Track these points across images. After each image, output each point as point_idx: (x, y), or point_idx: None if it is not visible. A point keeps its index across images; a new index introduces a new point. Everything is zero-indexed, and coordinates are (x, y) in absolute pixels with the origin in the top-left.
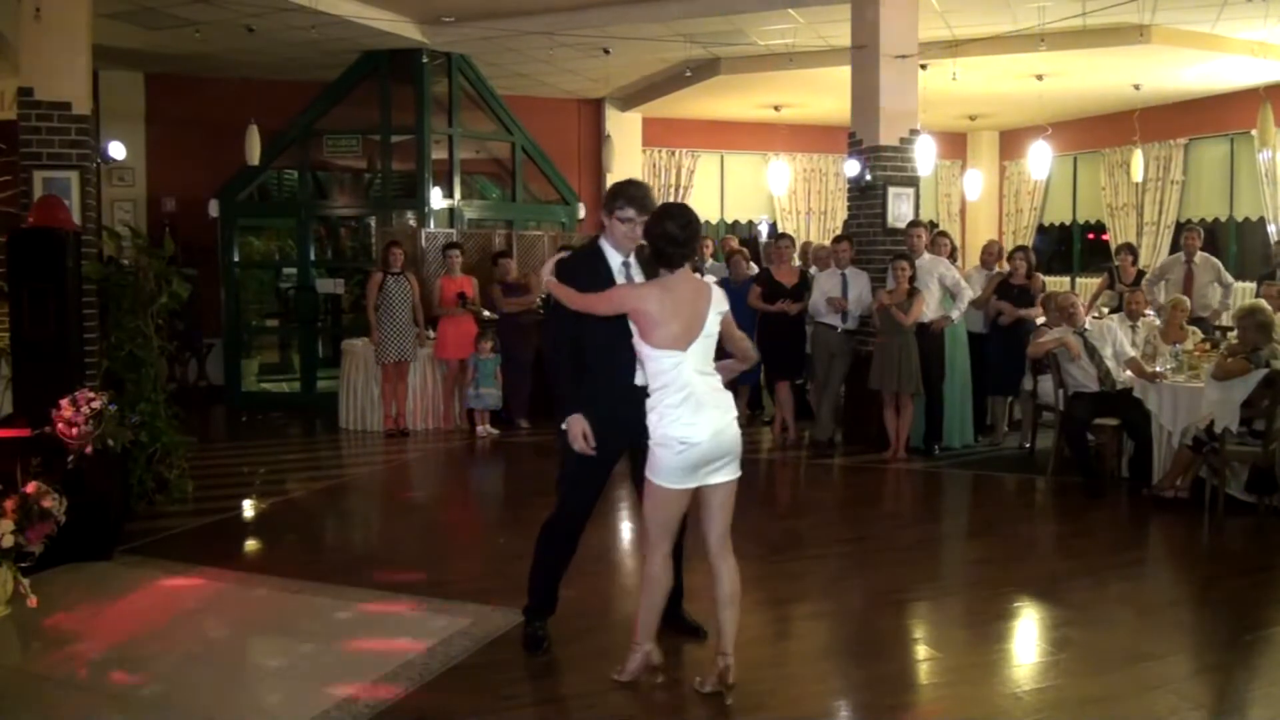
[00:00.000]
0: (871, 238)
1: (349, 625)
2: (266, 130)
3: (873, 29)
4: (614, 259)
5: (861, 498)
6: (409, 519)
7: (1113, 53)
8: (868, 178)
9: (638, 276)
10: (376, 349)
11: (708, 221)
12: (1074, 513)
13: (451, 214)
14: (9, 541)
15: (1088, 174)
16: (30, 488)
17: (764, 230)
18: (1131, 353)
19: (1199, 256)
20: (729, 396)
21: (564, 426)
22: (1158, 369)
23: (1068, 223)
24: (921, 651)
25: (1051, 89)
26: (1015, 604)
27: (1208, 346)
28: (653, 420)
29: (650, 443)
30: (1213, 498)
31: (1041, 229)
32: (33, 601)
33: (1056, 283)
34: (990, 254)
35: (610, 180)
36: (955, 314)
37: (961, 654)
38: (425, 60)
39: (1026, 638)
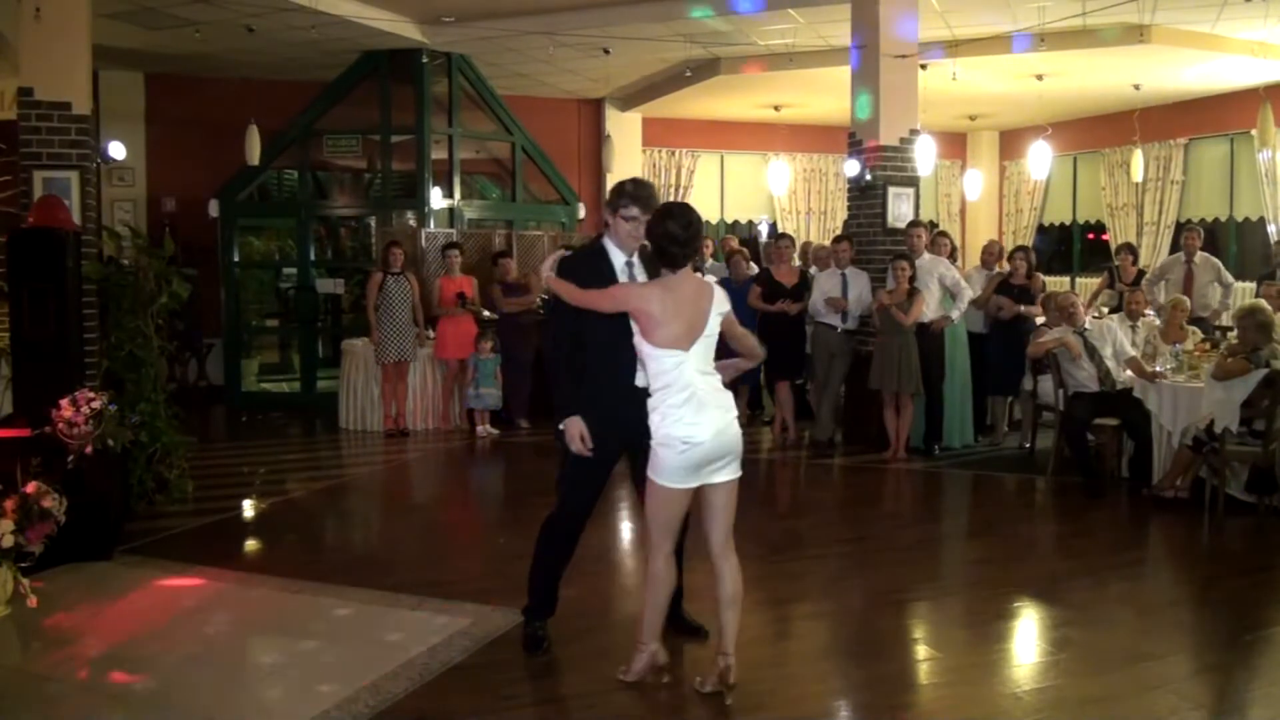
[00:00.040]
0: (871, 238)
1: (349, 625)
2: (266, 130)
3: (873, 29)
4: (617, 258)
5: (861, 498)
6: (409, 519)
7: (1113, 53)
8: (867, 178)
9: (641, 276)
10: (376, 349)
11: (708, 222)
12: (1074, 513)
13: (451, 214)
14: (9, 541)
15: (1088, 174)
16: (30, 488)
17: (764, 230)
18: (1132, 352)
19: (1199, 256)
20: (730, 396)
21: (561, 427)
22: (1157, 369)
23: (1068, 223)
24: (921, 651)
25: (1051, 89)
26: (1015, 604)
27: (1208, 346)
28: (655, 420)
29: (653, 442)
30: (1213, 498)
31: (1041, 229)
32: (33, 601)
33: (1056, 283)
34: (991, 254)
35: (610, 180)
36: (955, 314)
37: (961, 654)
38: (425, 60)
39: (1026, 638)
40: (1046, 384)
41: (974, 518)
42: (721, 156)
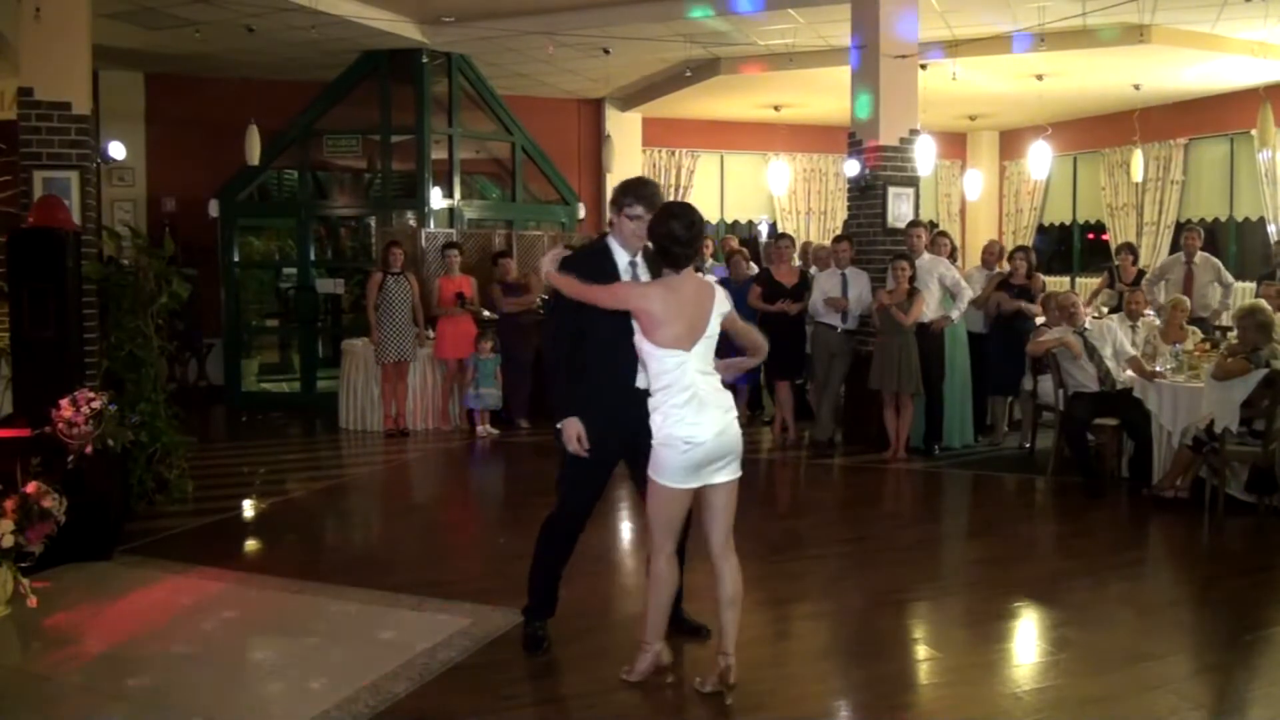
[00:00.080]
0: (871, 238)
1: (349, 625)
2: (266, 130)
3: (873, 29)
4: (621, 258)
5: (861, 498)
6: (409, 519)
7: (1113, 53)
8: (867, 178)
9: (644, 276)
10: (376, 349)
11: (707, 222)
12: (1074, 513)
13: (451, 214)
14: (9, 541)
15: (1088, 174)
16: (30, 488)
17: (764, 230)
18: (1132, 352)
19: (1199, 256)
20: (729, 396)
21: (560, 426)
22: (1157, 369)
23: (1068, 223)
24: (921, 651)
25: (1051, 89)
26: (1015, 604)
27: (1208, 346)
28: (656, 420)
29: (654, 442)
30: (1213, 498)
31: (1041, 229)
32: (33, 601)
33: (1056, 283)
34: (991, 254)
35: (610, 180)
36: (955, 314)
37: (961, 654)
38: (425, 60)
39: (1026, 638)
40: (1046, 384)
41: (974, 518)
42: (721, 156)
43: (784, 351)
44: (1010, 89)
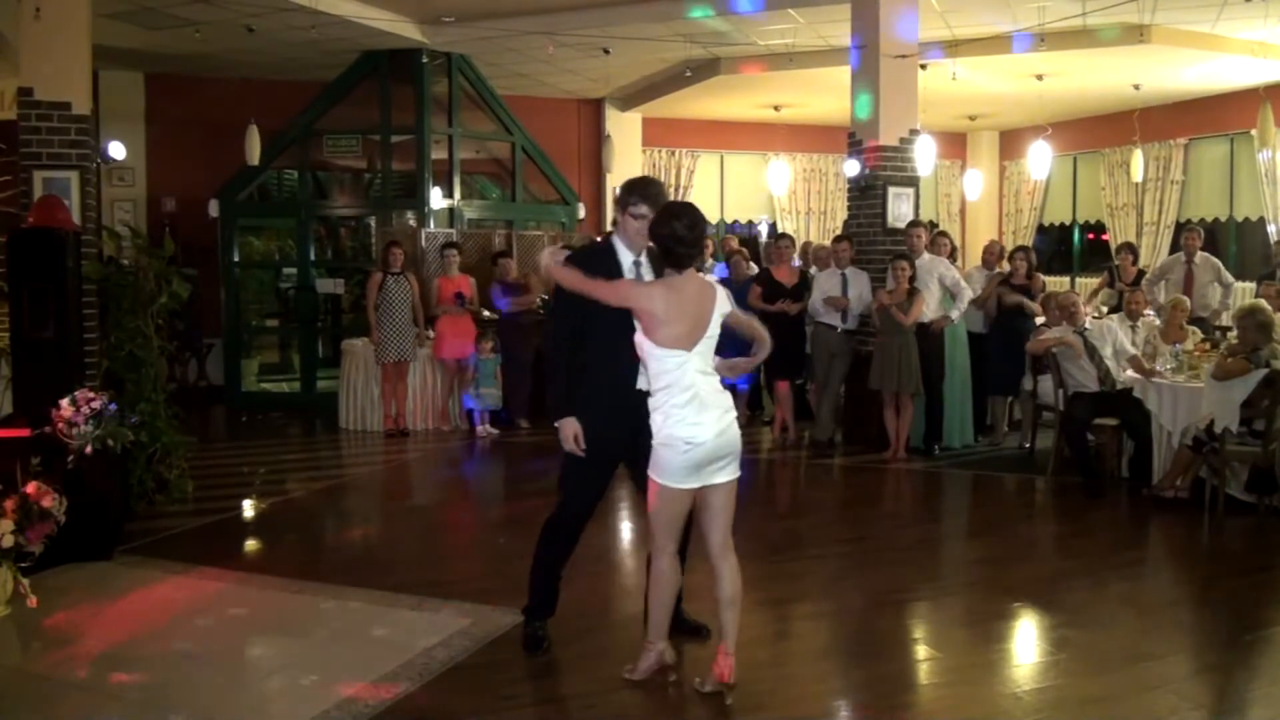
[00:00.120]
0: (871, 238)
1: (349, 625)
2: (266, 130)
3: (873, 29)
4: (625, 257)
5: (861, 498)
6: (409, 519)
7: (1113, 53)
8: (867, 178)
9: (648, 275)
10: (376, 349)
11: (708, 222)
12: (1074, 513)
13: (451, 214)
14: (9, 541)
15: (1088, 174)
16: (30, 488)
17: (764, 230)
18: (1132, 351)
19: (1199, 256)
20: (729, 396)
21: (557, 425)
22: (1156, 368)
23: (1068, 223)
24: (921, 651)
25: (1051, 89)
26: (1015, 604)
27: (1208, 346)
28: (657, 421)
29: (654, 442)
30: (1213, 498)
31: (1041, 229)
32: (33, 601)
33: (1056, 283)
34: (992, 254)
35: (610, 180)
36: (955, 314)
37: (961, 654)
38: (425, 60)
39: (1026, 638)
40: (1046, 384)
41: (974, 518)
42: (721, 156)
43: (784, 351)
44: (1010, 89)
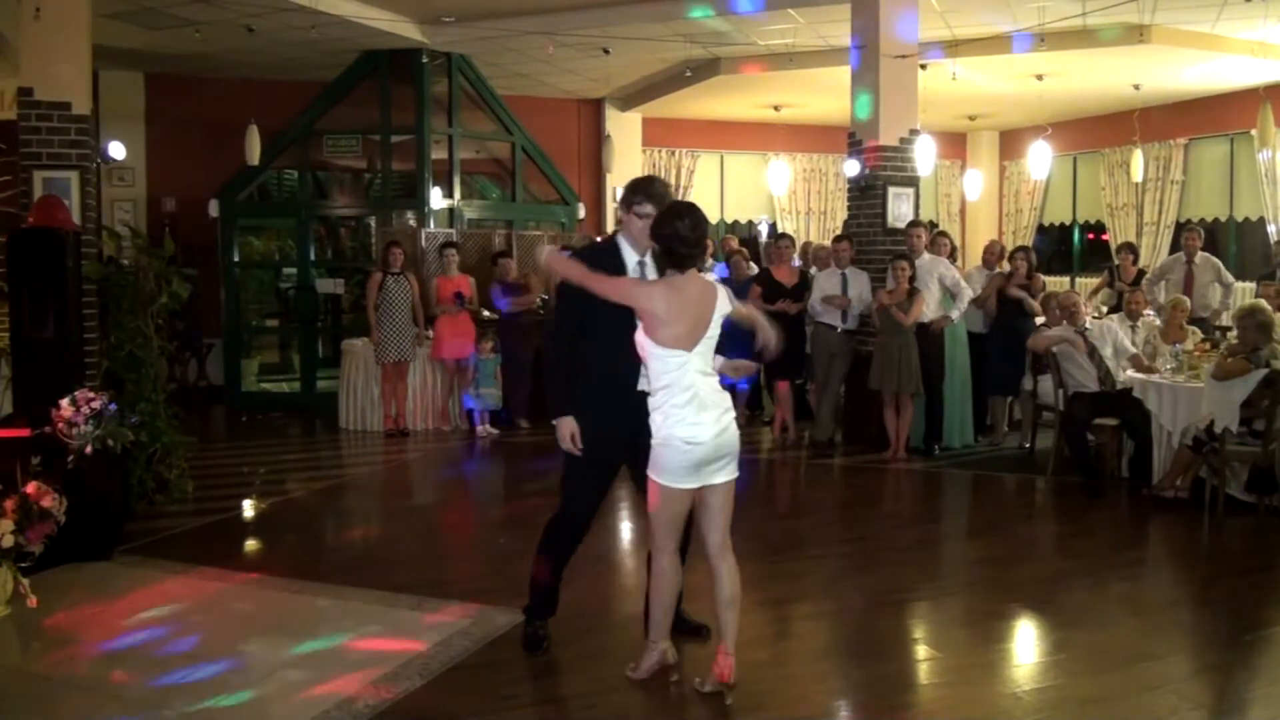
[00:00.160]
0: (871, 238)
1: (349, 625)
2: (266, 130)
3: (873, 29)
4: (630, 257)
5: (861, 498)
6: (409, 519)
7: (1113, 53)
8: (867, 178)
9: (652, 276)
10: (376, 349)
11: (708, 222)
12: (1074, 513)
13: (451, 214)
14: (9, 541)
15: (1088, 174)
16: (30, 488)
17: (764, 230)
18: (1133, 350)
19: (1199, 256)
20: (728, 397)
21: (554, 423)
22: (1156, 368)
23: (1068, 223)
24: (921, 651)
25: (1051, 89)
26: (1015, 604)
27: (1208, 346)
28: (657, 420)
29: (653, 442)
30: (1213, 498)
31: (1041, 229)
32: (33, 601)
33: (1056, 283)
34: (992, 254)
35: (610, 180)
36: (955, 314)
37: (961, 654)
38: (425, 60)
39: (1026, 638)
40: (1046, 384)
41: (974, 518)
42: (721, 156)
43: (784, 351)
44: (1010, 89)
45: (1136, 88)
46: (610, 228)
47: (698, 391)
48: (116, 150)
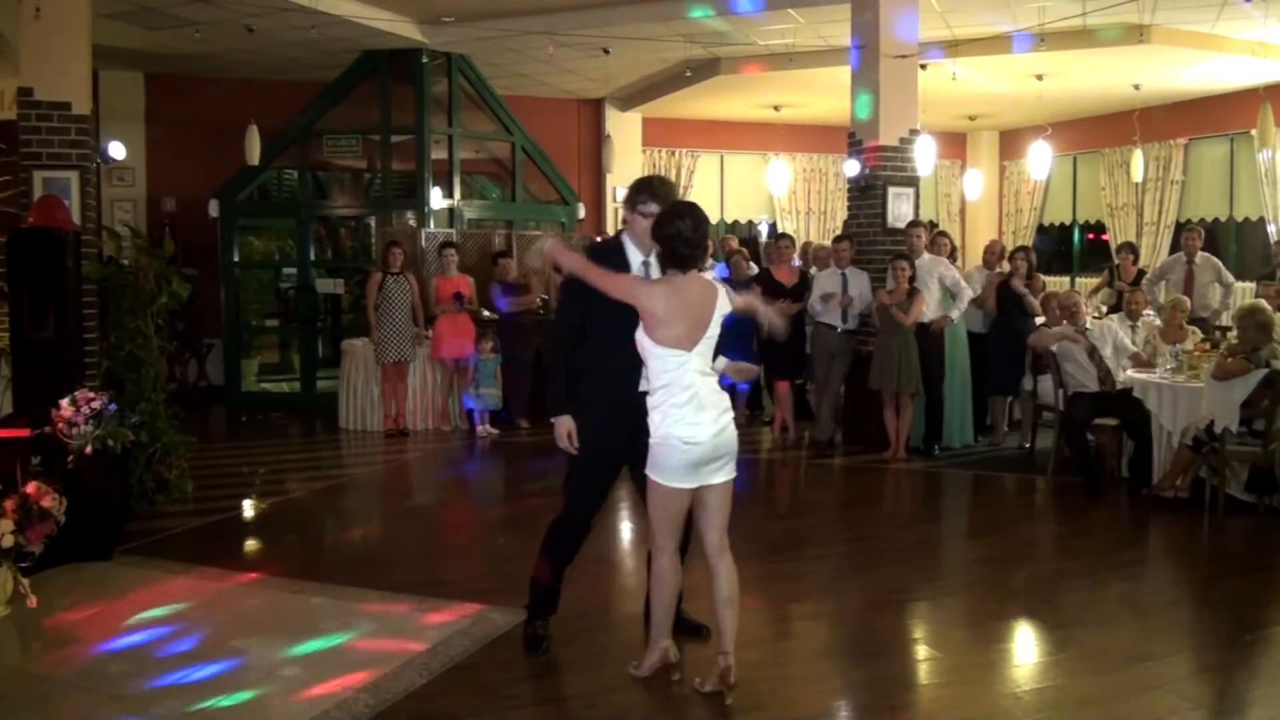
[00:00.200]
0: (871, 238)
1: (349, 625)
2: (266, 130)
3: (873, 29)
4: (634, 256)
5: (861, 498)
6: (409, 519)
7: (1113, 53)
8: (867, 178)
9: (656, 276)
10: (376, 349)
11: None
12: (1074, 513)
13: (451, 214)
14: (9, 541)
15: (1088, 174)
16: (30, 488)
17: (764, 230)
18: (1133, 349)
19: (1199, 256)
20: (726, 397)
21: (552, 422)
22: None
23: (1068, 223)
24: (921, 651)
25: (1051, 89)
26: (1015, 604)
27: (1208, 346)
28: (655, 420)
29: (652, 442)
30: (1213, 498)
31: (1041, 229)
32: (33, 601)
33: (1056, 283)
34: (993, 254)
35: (610, 180)
36: (955, 314)
37: (961, 654)
38: (425, 60)
39: (1026, 638)
40: (1046, 384)
41: (974, 518)
42: (721, 156)
43: (784, 351)
44: (1010, 89)
45: (1136, 88)
46: (610, 228)
47: (697, 391)
48: (116, 150)
